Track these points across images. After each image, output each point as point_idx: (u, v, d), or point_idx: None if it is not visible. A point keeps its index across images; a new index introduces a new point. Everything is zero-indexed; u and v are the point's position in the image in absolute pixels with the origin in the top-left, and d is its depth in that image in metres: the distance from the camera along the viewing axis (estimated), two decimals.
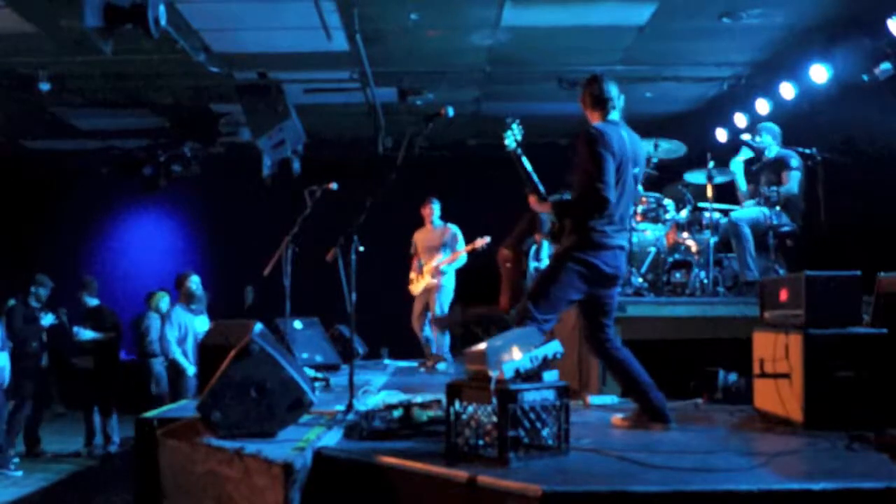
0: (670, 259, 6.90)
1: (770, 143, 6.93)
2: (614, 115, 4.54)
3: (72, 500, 7.75)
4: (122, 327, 9.67)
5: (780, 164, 6.83)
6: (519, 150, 4.52)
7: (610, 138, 4.35)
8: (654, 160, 7.10)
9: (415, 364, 8.58)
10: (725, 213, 6.90)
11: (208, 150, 11.81)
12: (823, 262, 6.26)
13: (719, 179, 7.10)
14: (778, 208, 6.53)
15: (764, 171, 6.92)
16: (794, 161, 6.77)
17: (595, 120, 4.52)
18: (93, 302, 9.45)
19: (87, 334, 9.14)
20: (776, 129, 7.06)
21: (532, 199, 4.54)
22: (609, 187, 4.28)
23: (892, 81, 7.04)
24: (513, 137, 4.51)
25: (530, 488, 2.87)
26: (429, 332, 8.49)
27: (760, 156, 6.99)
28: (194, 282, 8.80)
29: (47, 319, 9.13)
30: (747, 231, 6.54)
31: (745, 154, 6.99)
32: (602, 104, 4.53)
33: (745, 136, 7.17)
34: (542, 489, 2.85)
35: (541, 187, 4.52)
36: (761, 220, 6.52)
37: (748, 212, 6.65)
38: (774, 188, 6.54)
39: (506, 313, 8.05)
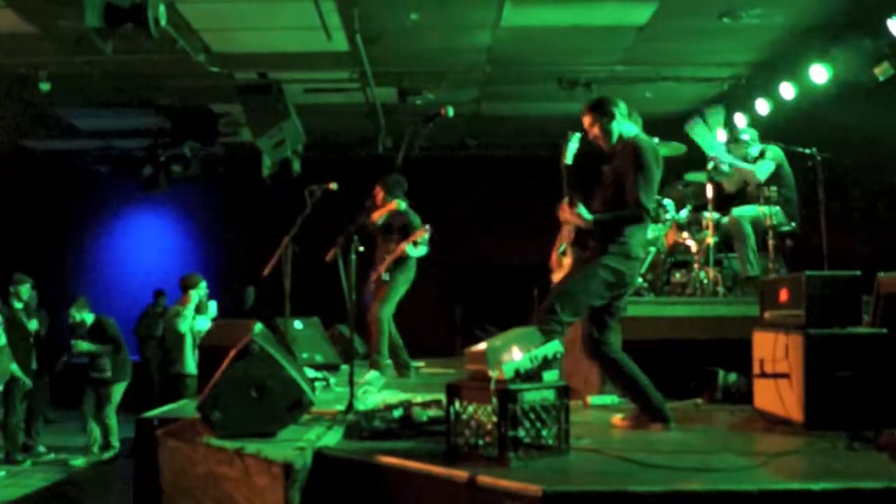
0: (670, 259, 6.90)
1: (748, 149, 6.99)
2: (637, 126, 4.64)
3: (72, 500, 7.75)
4: (121, 335, 9.39)
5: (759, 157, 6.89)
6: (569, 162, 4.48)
7: (657, 152, 4.45)
8: None
9: (418, 364, 8.55)
10: (725, 212, 6.91)
11: (208, 150, 11.81)
12: (823, 262, 6.29)
13: (719, 179, 7.11)
14: (777, 208, 6.54)
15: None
16: (770, 153, 6.81)
17: (633, 131, 4.58)
18: (90, 318, 9.22)
19: (83, 346, 8.92)
20: (752, 132, 7.16)
21: (565, 209, 4.46)
22: (652, 202, 4.40)
23: (892, 81, 7.05)
24: (572, 154, 4.48)
25: (530, 488, 2.87)
26: None
27: (745, 159, 7.05)
28: (202, 288, 8.82)
29: (32, 325, 9.02)
30: (749, 228, 6.57)
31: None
32: (631, 116, 4.64)
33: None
34: (542, 489, 2.85)
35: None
36: (761, 218, 6.54)
37: (749, 209, 6.67)
38: (774, 187, 6.55)
39: None
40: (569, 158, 4.43)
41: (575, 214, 4.41)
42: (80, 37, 6.09)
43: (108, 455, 8.94)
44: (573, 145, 4.45)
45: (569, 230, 8.29)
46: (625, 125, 4.59)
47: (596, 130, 4.62)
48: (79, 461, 8.85)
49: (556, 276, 8.21)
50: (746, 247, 6.53)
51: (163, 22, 6.19)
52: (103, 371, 8.97)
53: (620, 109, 4.60)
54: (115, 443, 9.01)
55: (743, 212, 6.67)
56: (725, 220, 6.78)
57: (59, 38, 7.81)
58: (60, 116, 11.10)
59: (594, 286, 4.32)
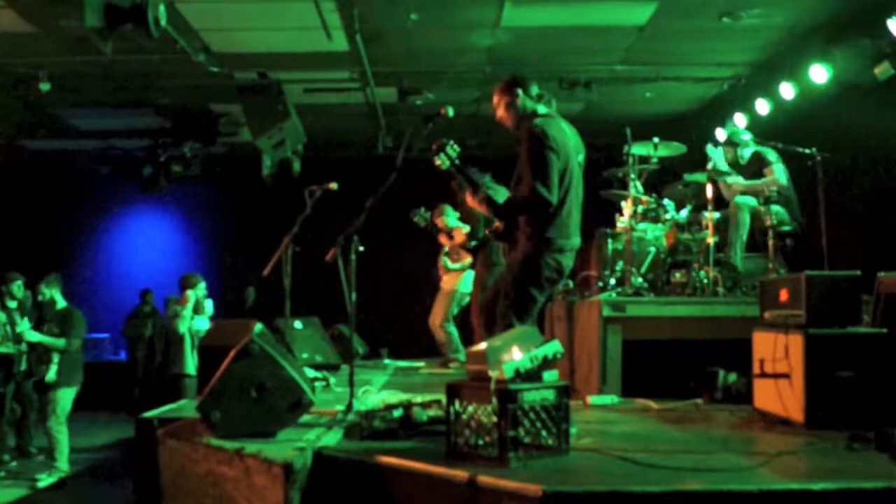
0: (670, 259, 6.89)
1: (742, 151, 7.01)
2: (548, 108, 4.57)
3: (72, 499, 7.74)
4: (83, 336, 8.52)
5: (758, 162, 6.90)
6: (457, 163, 4.50)
7: (553, 134, 4.36)
8: (654, 160, 7.10)
9: (418, 364, 8.55)
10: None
11: (208, 150, 11.82)
12: (823, 262, 6.29)
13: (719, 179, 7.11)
14: (778, 207, 6.54)
15: (747, 173, 6.99)
16: (771, 154, 6.83)
17: (532, 116, 4.50)
18: (61, 300, 8.40)
19: (34, 336, 8.07)
20: (746, 132, 7.19)
21: (469, 197, 4.58)
22: (553, 187, 4.30)
23: (892, 81, 7.05)
24: (446, 158, 4.48)
25: (530, 488, 2.87)
26: None
27: (737, 163, 7.06)
28: (201, 288, 8.80)
29: (24, 325, 8.53)
30: (746, 217, 6.59)
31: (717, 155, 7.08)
32: (536, 98, 4.56)
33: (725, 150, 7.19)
34: (543, 489, 2.85)
35: (484, 188, 4.55)
36: (762, 214, 6.55)
37: (752, 199, 6.69)
38: (775, 188, 6.55)
39: None
40: (444, 165, 4.44)
41: (478, 201, 4.46)
42: (80, 37, 6.09)
43: (50, 479, 7.95)
44: (445, 154, 4.45)
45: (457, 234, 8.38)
46: (530, 106, 4.52)
47: (500, 112, 4.61)
48: None
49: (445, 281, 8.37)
50: (737, 235, 6.57)
51: (163, 22, 6.19)
52: (46, 371, 7.99)
53: (528, 90, 4.52)
54: (64, 464, 8.03)
55: (746, 200, 6.69)
56: (726, 212, 6.80)
57: (59, 38, 7.81)
58: (60, 116, 11.10)
59: (541, 282, 4.35)
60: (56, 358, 8.01)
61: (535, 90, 4.55)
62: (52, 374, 7.97)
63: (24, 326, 8.35)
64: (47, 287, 8.40)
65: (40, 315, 8.55)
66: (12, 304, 8.66)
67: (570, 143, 4.48)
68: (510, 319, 4.28)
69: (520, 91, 4.52)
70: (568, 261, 4.43)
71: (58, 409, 7.95)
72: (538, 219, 4.35)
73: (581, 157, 4.60)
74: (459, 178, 4.55)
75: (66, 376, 8.04)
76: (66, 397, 8.03)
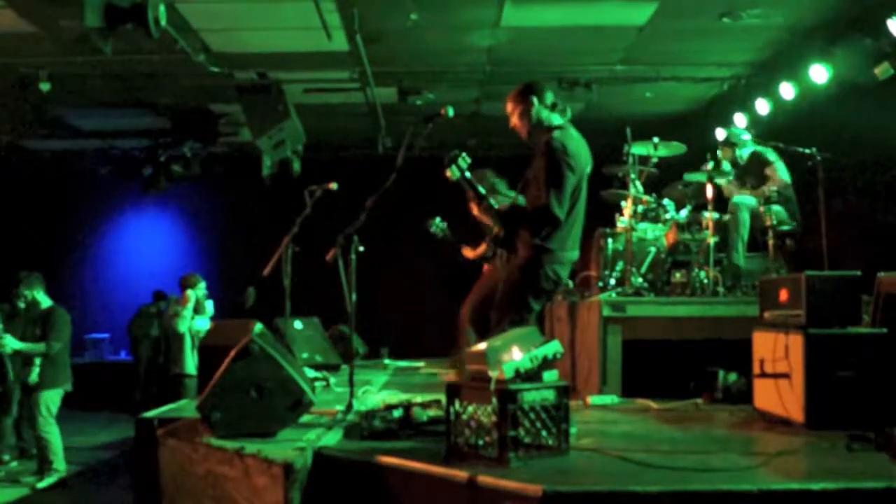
0: (670, 259, 6.90)
1: (741, 151, 7.01)
2: (563, 118, 4.55)
3: (72, 499, 7.74)
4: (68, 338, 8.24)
5: (758, 162, 6.89)
6: (467, 174, 4.50)
7: (571, 150, 4.34)
8: (654, 160, 7.10)
9: (418, 364, 8.54)
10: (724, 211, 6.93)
11: (208, 150, 11.83)
12: (823, 261, 6.30)
13: (719, 180, 7.11)
14: (778, 207, 6.55)
15: (747, 173, 6.98)
16: (771, 154, 6.83)
17: (549, 129, 4.47)
18: (45, 300, 8.10)
19: (15, 344, 7.78)
20: (743, 132, 7.17)
21: (474, 207, 4.60)
22: (564, 203, 4.30)
23: (892, 81, 7.05)
24: (457, 169, 4.48)
25: (530, 488, 2.87)
26: None
27: (736, 163, 7.07)
28: (201, 288, 8.77)
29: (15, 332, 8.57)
30: (746, 216, 6.59)
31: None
32: (551, 107, 4.54)
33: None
34: (542, 489, 2.85)
35: (489, 199, 4.57)
36: (760, 213, 6.55)
37: (752, 199, 6.69)
38: (774, 188, 6.55)
39: None
40: (454, 175, 4.44)
41: (482, 211, 4.49)
42: (80, 37, 6.09)
43: (49, 479, 7.77)
44: (457, 166, 4.44)
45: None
46: (545, 116, 4.49)
47: (513, 120, 4.59)
48: None
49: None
50: (738, 234, 6.57)
51: (163, 22, 6.19)
52: (28, 374, 7.78)
53: (543, 98, 4.49)
54: (60, 464, 7.84)
55: (744, 200, 6.69)
56: (726, 217, 6.79)
57: (59, 38, 7.81)
58: (60, 116, 11.10)
59: (538, 291, 4.38)
60: (38, 360, 7.81)
61: (549, 98, 4.52)
62: (34, 377, 7.80)
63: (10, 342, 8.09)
64: (28, 289, 8.10)
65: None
66: (21, 305, 8.59)
67: (582, 157, 4.48)
68: (505, 326, 4.29)
69: (535, 100, 4.49)
70: (565, 273, 4.48)
71: (43, 411, 7.78)
72: (537, 233, 4.36)
73: (589, 169, 4.61)
74: (467, 188, 4.54)
75: (50, 378, 7.86)
76: (50, 399, 7.84)
